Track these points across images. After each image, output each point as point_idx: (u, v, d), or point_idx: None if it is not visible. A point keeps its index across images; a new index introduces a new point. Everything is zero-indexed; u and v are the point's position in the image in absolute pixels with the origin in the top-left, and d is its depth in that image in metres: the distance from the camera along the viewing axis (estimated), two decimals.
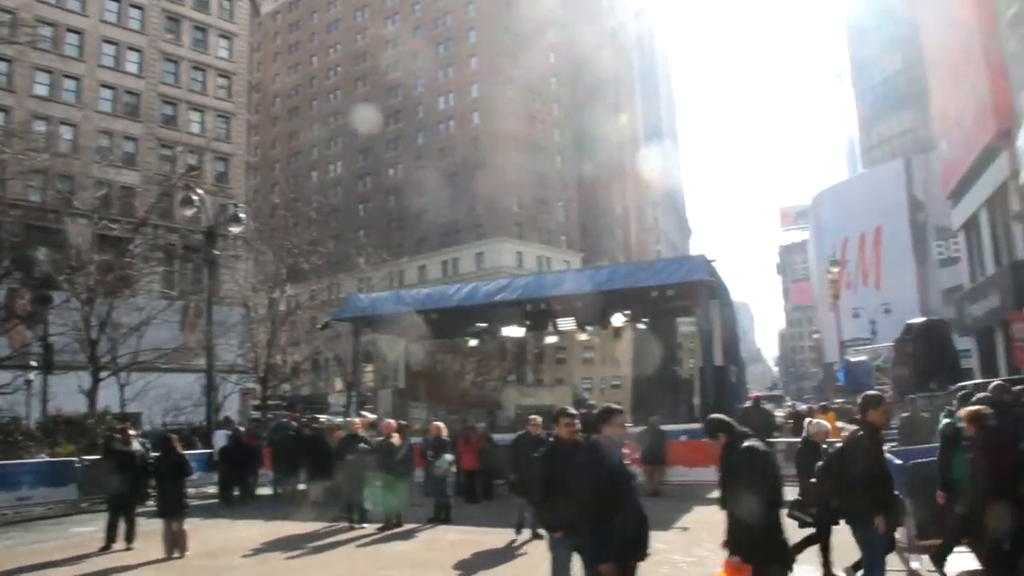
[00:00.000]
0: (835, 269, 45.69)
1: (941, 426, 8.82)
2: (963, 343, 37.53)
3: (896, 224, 63.86)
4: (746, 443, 5.71)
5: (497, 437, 18.04)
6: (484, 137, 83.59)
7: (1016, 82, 26.41)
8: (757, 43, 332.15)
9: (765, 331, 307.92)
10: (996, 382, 9.31)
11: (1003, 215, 29.88)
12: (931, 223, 58.69)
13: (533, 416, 12.98)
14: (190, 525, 12.41)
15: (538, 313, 25.49)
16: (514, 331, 27.17)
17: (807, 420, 11.29)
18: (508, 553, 11.52)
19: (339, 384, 51.19)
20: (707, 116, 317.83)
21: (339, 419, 26.75)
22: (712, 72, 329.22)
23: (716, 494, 6.33)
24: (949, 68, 36.11)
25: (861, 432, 6.97)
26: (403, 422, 16.84)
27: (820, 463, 7.98)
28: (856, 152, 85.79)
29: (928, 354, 25.38)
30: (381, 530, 13.89)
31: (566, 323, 27.22)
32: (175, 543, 11.91)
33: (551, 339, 30.24)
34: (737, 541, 5.53)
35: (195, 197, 23.96)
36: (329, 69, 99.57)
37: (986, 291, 33.41)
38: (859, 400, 7.22)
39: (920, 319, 30.17)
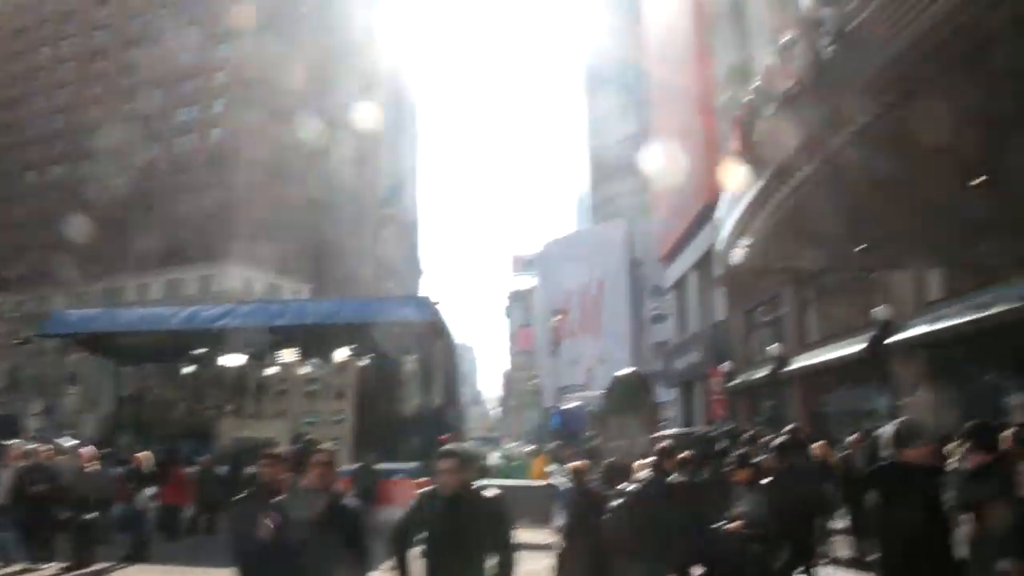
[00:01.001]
0: (558, 317, 47.76)
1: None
2: (668, 394, 40.36)
3: (617, 279, 67.71)
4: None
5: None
6: (222, 156, 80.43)
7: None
8: (505, 93, 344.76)
9: (490, 373, 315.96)
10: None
11: (708, 279, 32.50)
12: (647, 281, 62.69)
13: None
14: None
15: (261, 342, 24.69)
16: (234, 360, 26.12)
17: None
18: None
19: (39, 406, 46.92)
20: (451, 159, 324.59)
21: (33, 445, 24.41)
22: (459, 116, 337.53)
23: None
24: (671, 138, 39.07)
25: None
26: (108, 450, 15.61)
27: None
28: (587, 207, 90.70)
29: (631, 403, 27.04)
30: (67, 570, 12.63)
31: (290, 354, 26.55)
32: None
33: (273, 370, 29.36)
34: None
35: None
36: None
37: (689, 347, 36.17)
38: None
39: (627, 370, 32.04)
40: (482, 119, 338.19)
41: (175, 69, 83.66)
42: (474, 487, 5.30)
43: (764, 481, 8.13)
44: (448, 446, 5.96)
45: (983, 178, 6.64)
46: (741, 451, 9.37)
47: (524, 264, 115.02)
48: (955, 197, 7.13)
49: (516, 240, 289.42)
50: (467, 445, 22.24)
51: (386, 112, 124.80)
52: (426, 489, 5.44)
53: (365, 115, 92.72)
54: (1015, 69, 5.35)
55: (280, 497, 5.50)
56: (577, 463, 8.74)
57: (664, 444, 8.96)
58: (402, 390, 26.95)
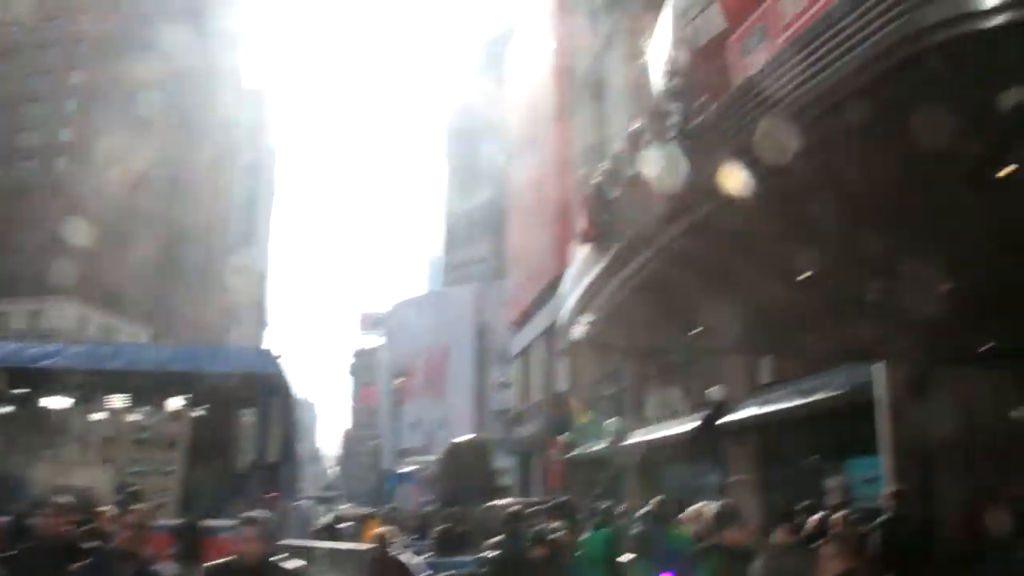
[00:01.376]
0: (402, 379, 47.34)
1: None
2: (507, 462, 40.33)
3: (464, 344, 67.81)
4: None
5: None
6: (64, 186, 76.72)
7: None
8: (367, 149, 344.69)
9: (331, 430, 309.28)
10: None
11: (553, 349, 32.89)
12: (493, 348, 63.01)
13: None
14: None
15: (89, 385, 23.32)
16: (58, 402, 24.54)
17: None
18: None
19: None
20: (308, 210, 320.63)
21: None
22: (319, 168, 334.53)
23: None
24: (526, 208, 39.70)
25: None
26: None
27: None
28: (439, 269, 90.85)
29: (470, 470, 26.90)
30: None
31: (120, 400, 25.19)
32: None
33: (100, 415, 27.73)
34: None
35: None
36: None
37: (531, 416, 36.34)
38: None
39: (467, 436, 31.95)
40: (342, 173, 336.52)
41: (22, 91, 79.91)
42: (274, 559, 5.01)
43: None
44: (250, 512, 5.61)
45: (808, 274, 6.92)
46: (539, 527, 9.28)
47: (372, 322, 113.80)
48: (783, 290, 7.41)
49: (366, 298, 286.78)
50: (301, 503, 21.58)
51: (243, 156, 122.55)
52: (219, 561, 5.10)
53: (219, 157, 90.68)
54: (835, 183, 5.65)
55: (83, 562, 5.04)
56: (381, 529, 8.52)
57: (515, 509, 8.86)
58: (237, 444, 25.96)
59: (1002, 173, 5.33)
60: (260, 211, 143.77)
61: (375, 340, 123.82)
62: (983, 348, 9.54)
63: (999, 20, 3.96)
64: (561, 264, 30.53)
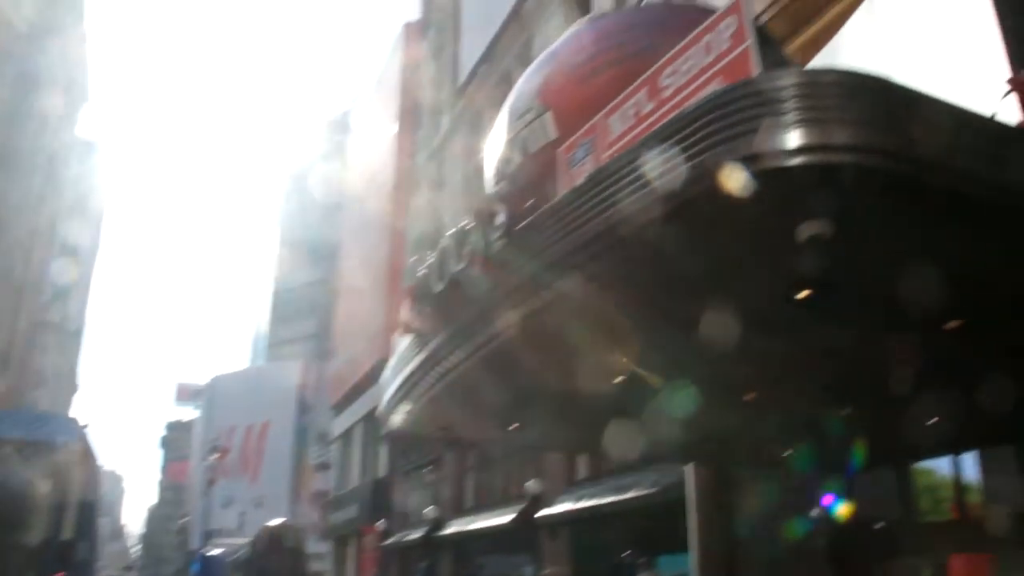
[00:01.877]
0: (216, 455, 45.41)
1: None
2: (322, 548, 39.08)
3: (283, 422, 65.93)
4: None
5: None
6: None
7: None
8: (196, 216, 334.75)
9: (137, 506, 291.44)
10: None
11: (374, 433, 32.44)
12: (314, 428, 61.55)
13: None
14: None
15: None
16: None
17: None
18: None
19: None
20: (130, 274, 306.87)
21: None
22: (144, 234, 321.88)
23: None
24: (356, 290, 39.42)
25: None
26: None
27: None
28: (263, 345, 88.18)
29: (280, 556, 25.87)
30: None
31: None
32: None
33: None
34: None
35: None
36: None
37: (349, 501, 35.51)
38: None
39: (278, 520, 30.84)
40: (170, 236, 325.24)
41: None
42: None
43: None
44: None
45: (622, 378, 7.18)
46: None
47: (190, 394, 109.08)
48: (597, 393, 7.65)
49: (184, 368, 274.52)
50: None
51: (67, 204, 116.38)
52: None
53: (40, 203, 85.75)
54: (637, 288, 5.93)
55: None
56: None
57: None
58: (31, 518, 24.31)
59: (799, 296, 5.73)
60: (82, 266, 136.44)
61: (190, 413, 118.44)
62: (783, 454, 10.07)
63: (795, 161, 4.31)
64: (386, 349, 30.30)
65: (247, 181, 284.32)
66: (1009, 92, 4.86)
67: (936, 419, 7.47)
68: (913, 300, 5.32)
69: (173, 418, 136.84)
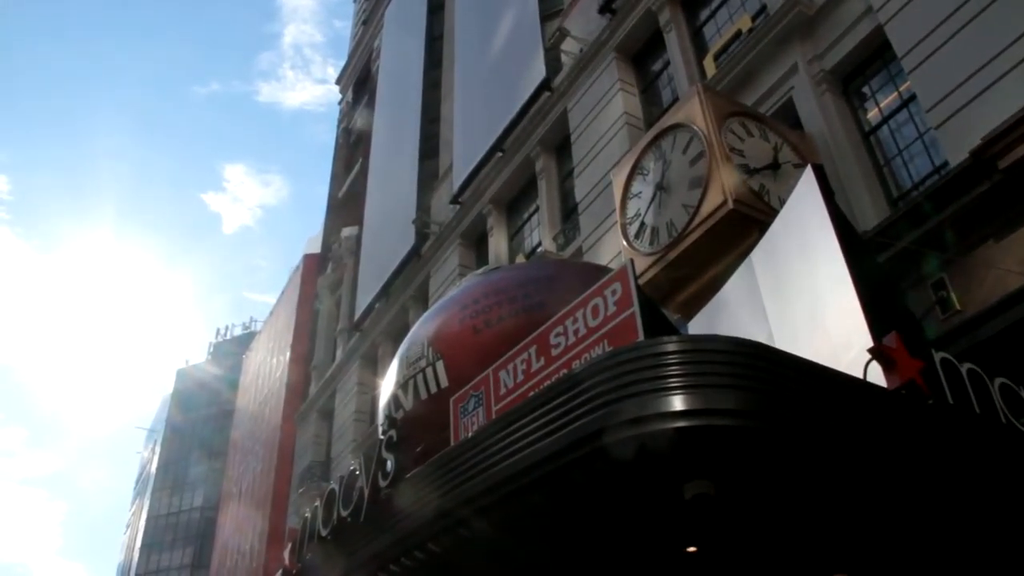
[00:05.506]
0: None
1: None
2: None
3: None
4: None
5: None
6: None
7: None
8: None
9: None
10: None
11: None
12: None
13: None
14: None
15: None
16: None
17: None
18: None
19: None
20: None
21: None
22: None
23: None
24: (238, 520, 37.66)
25: None
26: None
27: None
28: (130, 573, 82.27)
29: None
30: None
31: None
32: None
33: None
34: None
35: None
36: None
37: None
38: None
39: None
40: None
41: None
42: None
43: None
44: None
45: None
46: None
47: None
48: None
49: None
50: None
51: None
52: None
53: None
54: None
55: None
56: None
57: None
58: None
59: (689, 549, 5.76)
60: None
61: None
62: None
63: (678, 424, 4.44)
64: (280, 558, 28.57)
65: (127, 394, 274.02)
66: (870, 361, 5.14)
67: None
68: (799, 552, 5.36)
69: None
